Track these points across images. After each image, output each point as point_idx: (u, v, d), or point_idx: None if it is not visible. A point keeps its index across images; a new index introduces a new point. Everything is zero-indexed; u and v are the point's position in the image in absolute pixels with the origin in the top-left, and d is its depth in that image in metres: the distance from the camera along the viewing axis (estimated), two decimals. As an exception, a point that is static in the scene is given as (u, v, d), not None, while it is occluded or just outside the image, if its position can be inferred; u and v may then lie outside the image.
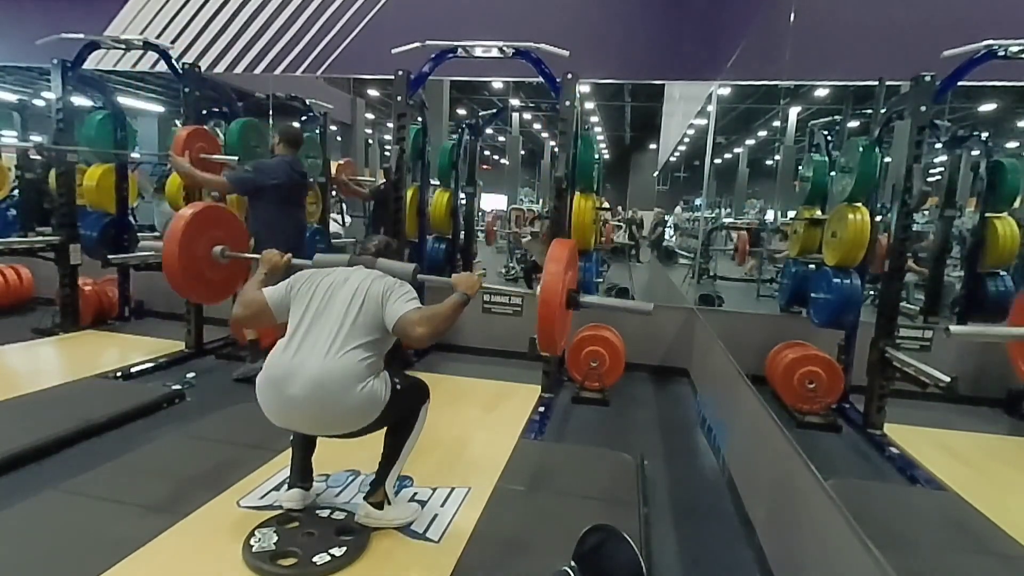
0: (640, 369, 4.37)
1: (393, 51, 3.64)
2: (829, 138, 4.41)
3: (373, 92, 11.00)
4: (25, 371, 3.66)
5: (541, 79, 3.57)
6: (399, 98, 3.62)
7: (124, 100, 5.30)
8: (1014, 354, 3.17)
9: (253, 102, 5.42)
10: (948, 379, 2.57)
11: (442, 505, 2.19)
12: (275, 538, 1.86)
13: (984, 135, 4.42)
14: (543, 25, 4.48)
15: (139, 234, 5.25)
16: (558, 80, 3.47)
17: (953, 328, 2.32)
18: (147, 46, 4.25)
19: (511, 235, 9.03)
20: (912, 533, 2.21)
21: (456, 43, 3.59)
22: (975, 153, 4.50)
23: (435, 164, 5.00)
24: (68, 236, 4.33)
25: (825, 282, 3.60)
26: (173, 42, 5.09)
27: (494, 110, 7.01)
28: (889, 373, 3.10)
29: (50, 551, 1.81)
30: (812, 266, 4.05)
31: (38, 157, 5.18)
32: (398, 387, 1.93)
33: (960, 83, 3.01)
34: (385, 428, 1.99)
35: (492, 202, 14.68)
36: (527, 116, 13.92)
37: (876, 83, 3.67)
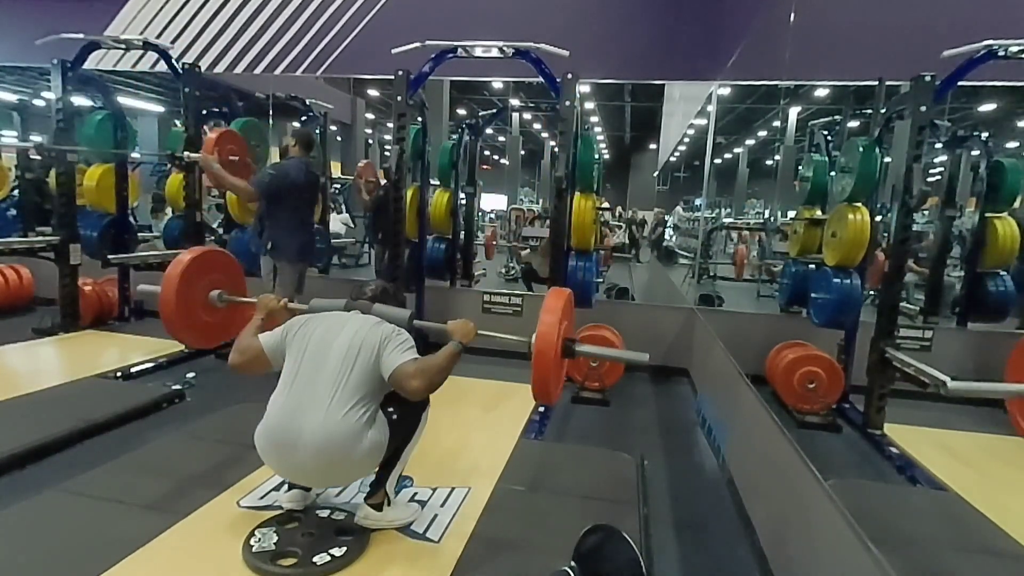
0: (640, 369, 4.36)
1: (393, 51, 3.64)
2: (829, 138, 4.41)
3: (373, 92, 11.02)
4: (25, 371, 3.66)
5: (541, 79, 3.58)
6: (399, 98, 3.62)
7: (124, 100, 5.30)
8: (1013, 411, 3.19)
9: (253, 102, 5.43)
10: (948, 379, 2.56)
11: (442, 505, 2.19)
12: (275, 538, 1.86)
13: (984, 135, 4.42)
14: (543, 25, 4.48)
15: (139, 234, 5.27)
16: (558, 80, 3.47)
17: (951, 384, 2.32)
18: (147, 46, 4.26)
19: (511, 247, 9.06)
20: (912, 533, 2.21)
21: (456, 43, 3.59)
22: (975, 153, 4.51)
23: (435, 164, 5.01)
24: (68, 236, 4.33)
25: (825, 282, 3.60)
26: (173, 42, 5.10)
27: (494, 110, 7.01)
28: (889, 373, 3.10)
29: (50, 551, 1.81)
30: (812, 266, 4.05)
31: (38, 157, 5.18)
32: (394, 417, 1.92)
33: (960, 83, 3.02)
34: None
35: (492, 202, 14.70)
36: (527, 116, 13.94)
37: (876, 83, 3.68)
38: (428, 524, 2.04)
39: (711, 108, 4.78)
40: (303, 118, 5.77)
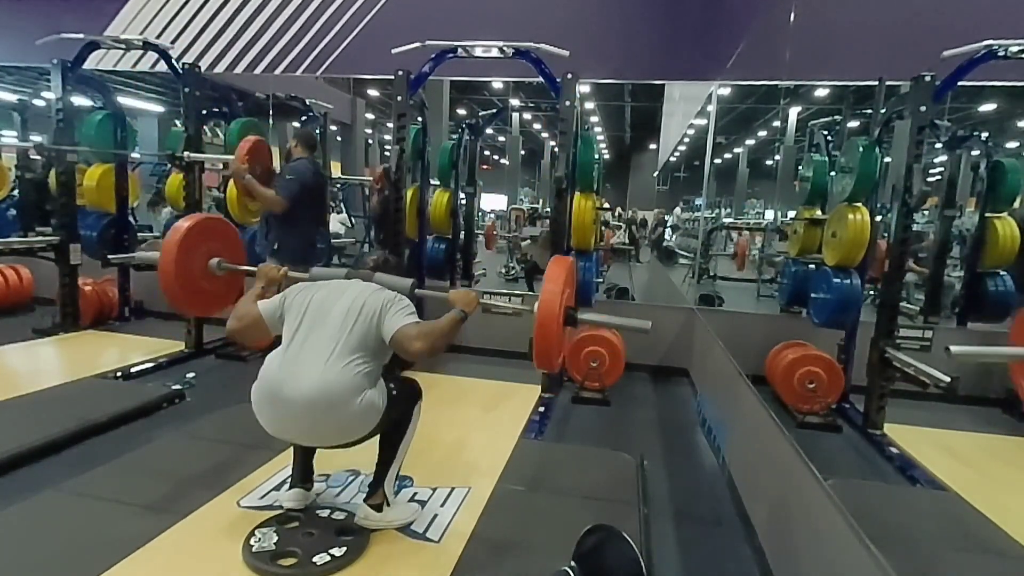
0: (640, 369, 4.37)
1: (393, 51, 3.64)
2: (829, 138, 4.41)
3: (373, 92, 11.00)
4: (25, 371, 3.66)
5: (541, 79, 3.58)
6: (399, 98, 3.62)
7: (124, 100, 5.30)
8: (1016, 373, 3.18)
9: (253, 102, 5.42)
10: (948, 379, 2.56)
11: (442, 505, 2.19)
12: (275, 538, 1.86)
13: (984, 135, 4.42)
14: (543, 25, 4.48)
15: (139, 234, 5.26)
16: (558, 80, 3.47)
17: (954, 348, 2.32)
18: (147, 46, 4.26)
19: (511, 240, 9.04)
20: (912, 533, 2.21)
21: (456, 43, 3.59)
22: (975, 153, 4.51)
23: (435, 164, 5.00)
24: (68, 236, 4.33)
25: (825, 282, 3.60)
26: (173, 42, 5.09)
27: (494, 110, 7.01)
28: (889, 373, 3.10)
29: (50, 551, 1.81)
30: (812, 266, 4.05)
31: (38, 157, 5.18)
32: (394, 392, 1.92)
33: (960, 83, 3.02)
34: (380, 434, 1.97)
35: (492, 202, 14.70)
36: (527, 116, 13.92)
37: (876, 83, 3.67)
38: (428, 524, 2.04)
39: (711, 108, 4.77)
40: (303, 118, 5.76)
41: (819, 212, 4.21)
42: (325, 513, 2.05)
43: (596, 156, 4.17)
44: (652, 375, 4.40)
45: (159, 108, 8.33)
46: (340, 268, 2.16)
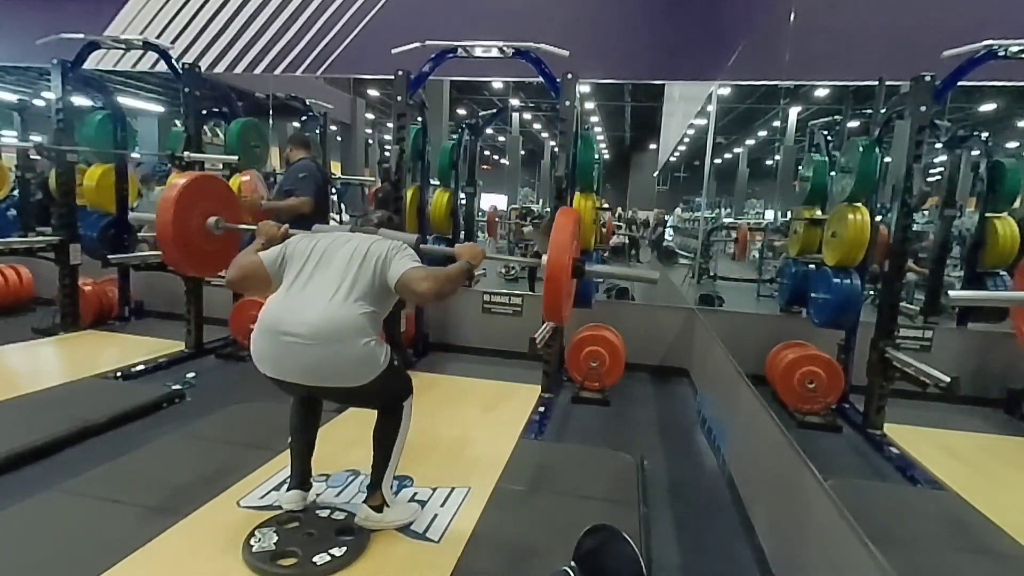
0: (640, 369, 4.37)
1: (393, 51, 3.64)
2: (829, 138, 4.41)
3: (373, 92, 11.01)
4: (25, 371, 3.66)
5: (541, 79, 3.57)
6: (399, 98, 3.62)
7: (124, 100, 5.30)
8: (1017, 319, 3.14)
9: (253, 102, 5.42)
10: (948, 379, 2.56)
11: (442, 505, 2.19)
12: (275, 538, 1.86)
13: (984, 135, 4.42)
14: (543, 25, 4.48)
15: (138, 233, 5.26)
16: (558, 80, 3.47)
17: (952, 293, 2.33)
18: (147, 46, 4.25)
19: (512, 232, 9.03)
20: (912, 533, 2.21)
21: (456, 43, 3.59)
22: (975, 153, 4.51)
23: (435, 164, 5.00)
24: (68, 236, 4.33)
25: (825, 282, 3.60)
26: (173, 42, 5.10)
27: (494, 110, 7.02)
28: (889, 373, 3.10)
29: (50, 551, 1.81)
30: (812, 266, 4.05)
31: (38, 157, 5.18)
32: (395, 363, 1.92)
33: (960, 83, 3.02)
34: (373, 436, 1.98)
35: (492, 202, 14.70)
36: (527, 116, 13.94)
37: (876, 83, 3.67)
38: (428, 524, 2.04)
39: (711, 108, 4.78)
40: (303, 118, 5.76)
41: (819, 212, 4.21)
42: (325, 513, 2.05)
43: (596, 156, 4.17)
44: (652, 375, 4.40)
45: (159, 108, 8.34)
46: (344, 225, 2.16)
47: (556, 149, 3.89)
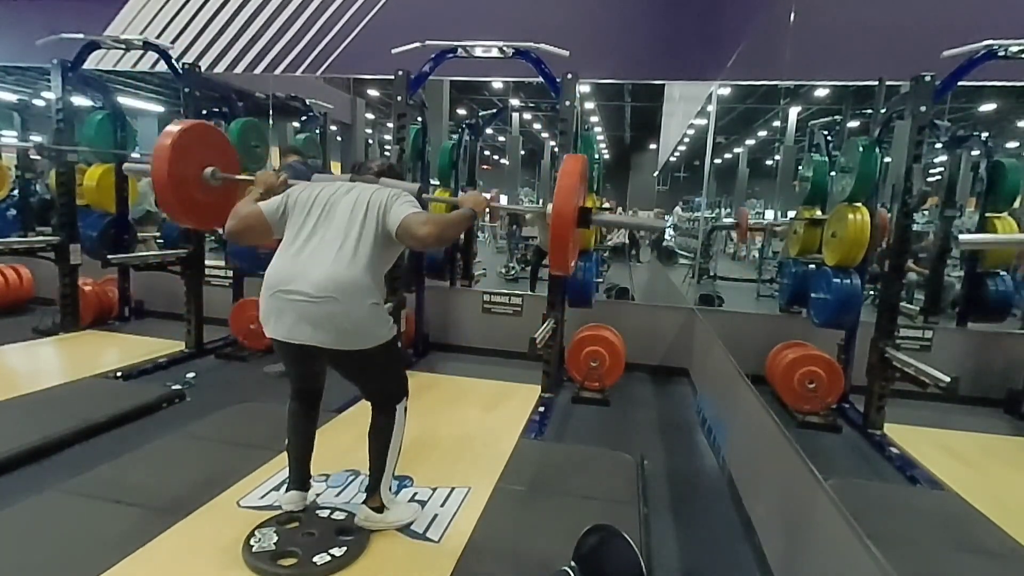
0: (640, 369, 4.37)
1: (393, 51, 3.64)
2: (829, 138, 4.41)
3: (373, 92, 11.01)
4: (25, 371, 3.66)
5: (541, 79, 3.57)
6: (399, 98, 3.62)
7: (124, 100, 5.30)
8: None
9: (253, 102, 5.42)
10: (948, 379, 2.57)
11: (442, 505, 2.19)
12: (275, 538, 1.86)
13: (984, 135, 4.42)
14: (543, 25, 4.47)
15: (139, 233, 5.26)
16: (558, 80, 3.47)
17: (963, 237, 2.33)
18: (147, 46, 4.25)
19: (513, 228, 9.03)
20: (912, 533, 2.21)
21: (456, 43, 3.59)
22: (975, 153, 4.51)
23: (435, 164, 5.00)
24: (68, 236, 4.33)
25: (825, 282, 3.60)
26: (173, 42, 5.09)
27: (494, 110, 7.01)
28: (889, 373, 3.10)
29: (50, 551, 1.81)
30: (812, 266, 4.05)
31: (38, 157, 5.18)
32: (398, 343, 1.91)
33: (960, 83, 3.01)
34: (369, 439, 1.98)
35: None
36: (527, 116, 13.93)
37: (876, 83, 3.67)
38: (428, 524, 2.04)
39: (711, 108, 4.77)
40: (303, 118, 5.76)
41: (819, 212, 4.21)
42: (325, 513, 2.05)
43: (596, 156, 4.17)
44: (652, 375, 4.40)
45: (159, 108, 8.34)
46: (344, 175, 2.08)
47: (556, 149, 3.89)
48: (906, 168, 3.00)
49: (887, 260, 3.24)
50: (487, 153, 15.48)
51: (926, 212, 5.83)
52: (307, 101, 5.71)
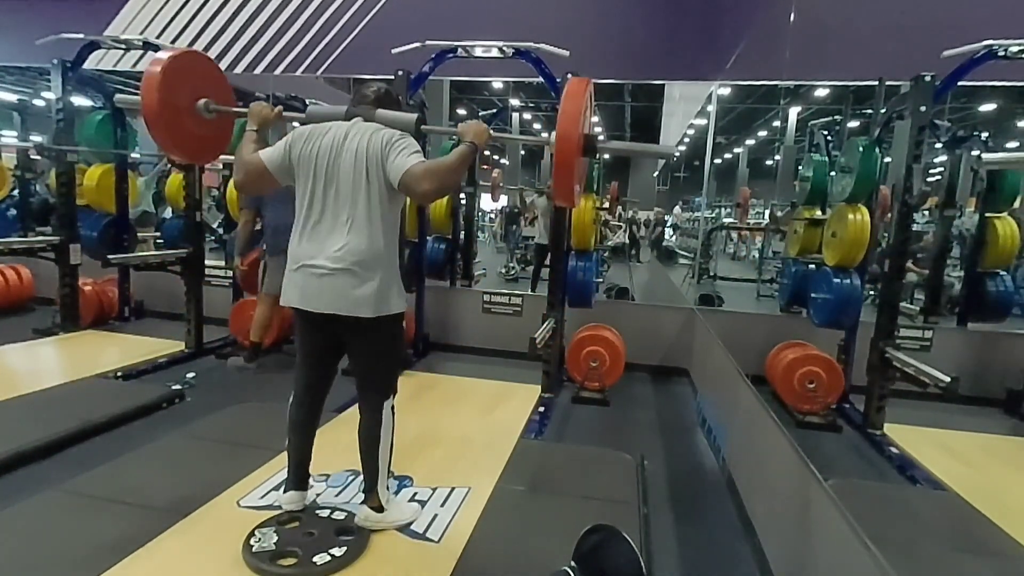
0: (640, 369, 4.37)
1: (393, 51, 3.64)
2: (829, 138, 4.41)
3: (373, 92, 11.00)
4: (25, 371, 3.66)
5: (541, 79, 3.57)
6: (399, 98, 3.62)
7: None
8: None
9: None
10: (948, 379, 2.57)
11: (442, 505, 2.19)
12: (275, 538, 1.86)
13: (984, 135, 4.42)
14: (543, 25, 4.47)
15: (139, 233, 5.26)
16: (558, 80, 3.47)
17: (985, 156, 2.31)
18: (147, 46, 4.25)
19: (513, 228, 8.99)
20: (912, 533, 2.21)
21: (456, 43, 3.59)
22: (975, 153, 4.51)
23: (435, 164, 4.99)
24: (68, 236, 4.33)
25: (825, 282, 3.60)
26: (173, 42, 5.09)
27: (494, 110, 7.01)
28: (889, 373, 3.10)
29: (50, 551, 1.80)
30: (812, 266, 4.05)
31: (38, 157, 5.18)
32: (403, 327, 1.95)
33: (960, 83, 3.02)
34: (359, 440, 1.98)
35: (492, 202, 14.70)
36: (527, 116, 13.94)
37: (876, 83, 3.68)
38: (428, 524, 2.04)
39: (711, 108, 4.78)
40: (303, 118, 5.76)
41: (819, 212, 4.21)
42: (325, 513, 2.04)
43: (596, 156, 4.16)
44: (652, 375, 4.40)
45: (159, 108, 8.34)
46: (339, 106, 2.02)
47: (556, 149, 3.88)
48: (906, 168, 3.01)
49: (887, 260, 3.24)
50: (487, 153, 15.47)
51: (926, 212, 5.84)
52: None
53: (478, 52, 3.64)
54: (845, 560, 1.42)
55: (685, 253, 10.64)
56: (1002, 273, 4.24)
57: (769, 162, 13.27)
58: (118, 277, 4.89)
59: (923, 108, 2.94)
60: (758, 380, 3.57)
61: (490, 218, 13.88)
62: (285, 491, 2.07)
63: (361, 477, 2.23)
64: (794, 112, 7.81)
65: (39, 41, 4.20)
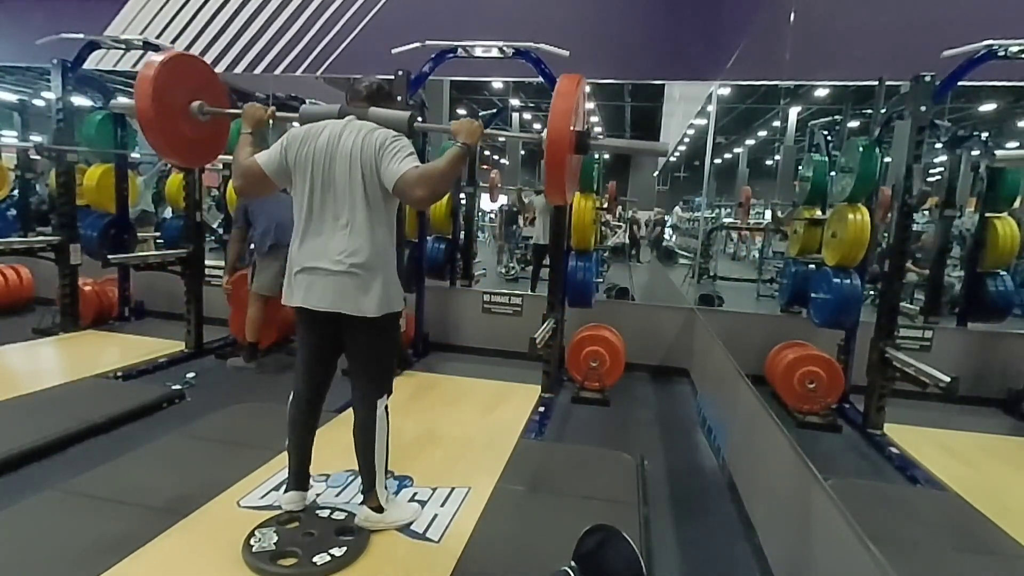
0: (640, 369, 4.37)
1: (393, 51, 3.64)
2: (829, 138, 4.41)
3: (373, 92, 11.00)
4: (25, 371, 3.66)
5: (541, 79, 3.57)
6: (399, 98, 3.62)
7: (124, 100, 5.29)
8: None
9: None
10: (948, 379, 2.57)
11: (442, 505, 2.19)
12: (275, 538, 1.86)
13: (984, 135, 4.42)
14: (543, 25, 4.47)
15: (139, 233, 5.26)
16: (558, 80, 3.47)
17: (999, 152, 2.31)
18: (147, 46, 4.25)
19: (513, 228, 8.99)
20: (912, 533, 2.21)
21: (456, 43, 3.59)
22: (975, 153, 4.51)
23: (435, 164, 4.99)
24: (68, 236, 4.33)
25: (825, 282, 3.60)
26: (173, 42, 5.10)
27: (494, 110, 7.01)
28: (889, 373, 3.10)
29: (50, 551, 1.80)
30: (812, 266, 4.05)
31: (38, 157, 5.18)
32: (399, 327, 1.96)
33: (960, 83, 3.02)
34: (354, 441, 1.98)
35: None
36: (527, 116, 13.93)
37: (876, 83, 3.67)
38: (428, 524, 2.04)
39: (711, 108, 4.78)
40: (303, 118, 5.76)
41: (819, 212, 4.21)
42: (325, 513, 2.05)
43: (596, 156, 4.17)
44: (652, 375, 4.40)
45: (159, 108, 8.33)
46: (332, 105, 2.02)
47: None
48: (906, 168, 3.01)
49: (887, 260, 3.24)
50: (487, 153, 15.48)
51: (926, 212, 5.83)
52: (307, 101, 5.71)
53: (478, 52, 3.64)
54: (845, 560, 1.42)
55: (685, 253, 10.63)
56: (1002, 273, 4.24)
57: (769, 162, 13.27)
58: (118, 277, 4.89)
59: (923, 108, 2.94)
60: (758, 380, 3.57)
61: (490, 218, 13.87)
62: (285, 491, 2.07)
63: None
64: (794, 112, 7.81)
65: (39, 41, 4.19)
